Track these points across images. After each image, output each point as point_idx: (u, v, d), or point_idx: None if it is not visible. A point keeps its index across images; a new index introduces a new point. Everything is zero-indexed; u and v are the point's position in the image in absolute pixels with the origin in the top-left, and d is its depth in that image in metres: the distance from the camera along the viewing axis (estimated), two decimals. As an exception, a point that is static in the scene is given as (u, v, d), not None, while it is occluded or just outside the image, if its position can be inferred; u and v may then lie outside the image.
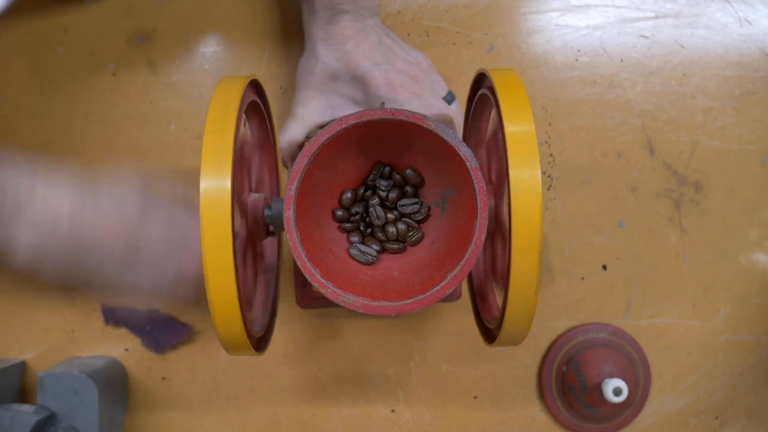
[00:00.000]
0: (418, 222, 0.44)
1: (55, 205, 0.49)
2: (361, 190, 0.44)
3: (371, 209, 0.43)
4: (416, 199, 0.44)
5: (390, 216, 0.44)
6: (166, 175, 0.54)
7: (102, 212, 0.50)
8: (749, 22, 0.66)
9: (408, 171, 0.43)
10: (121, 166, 0.56)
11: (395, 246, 0.43)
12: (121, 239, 0.50)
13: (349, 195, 0.44)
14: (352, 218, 0.44)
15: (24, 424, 0.55)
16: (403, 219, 0.44)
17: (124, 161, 0.64)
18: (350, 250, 0.43)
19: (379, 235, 0.44)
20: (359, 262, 0.43)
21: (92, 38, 0.64)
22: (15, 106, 0.64)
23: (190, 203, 0.48)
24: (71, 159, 0.64)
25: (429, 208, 0.44)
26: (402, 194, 0.44)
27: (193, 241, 0.51)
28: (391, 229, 0.43)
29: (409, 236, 0.43)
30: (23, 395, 0.64)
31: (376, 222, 0.43)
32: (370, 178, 0.44)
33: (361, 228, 0.44)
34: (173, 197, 0.54)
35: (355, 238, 0.44)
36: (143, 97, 0.64)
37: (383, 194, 0.44)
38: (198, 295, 0.40)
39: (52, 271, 0.51)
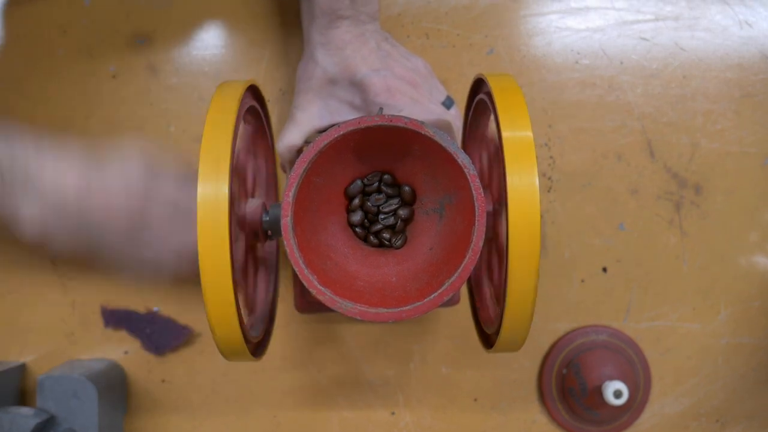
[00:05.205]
0: (395, 228, 0.44)
1: (61, 178, 0.50)
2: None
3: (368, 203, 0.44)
4: (393, 211, 0.43)
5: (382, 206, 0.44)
6: (171, 149, 0.54)
7: (107, 186, 0.51)
8: (749, 25, 0.66)
9: (406, 187, 0.43)
10: (127, 141, 0.56)
11: (386, 235, 0.43)
12: (125, 214, 0.51)
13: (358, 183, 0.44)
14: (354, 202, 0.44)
15: (23, 426, 0.55)
16: (382, 222, 0.44)
17: (129, 136, 0.64)
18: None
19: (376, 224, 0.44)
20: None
21: (92, 40, 0.64)
22: (14, 109, 0.64)
23: (195, 177, 0.49)
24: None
25: (411, 213, 0.44)
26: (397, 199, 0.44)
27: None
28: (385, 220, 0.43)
29: (393, 241, 0.43)
30: (23, 398, 0.64)
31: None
32: (366, 179, 0.44)
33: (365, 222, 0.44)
34: (178, 172, 0.55)
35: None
36: (143, 99, 0.64)
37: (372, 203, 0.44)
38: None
39: (58, 244, 0.52)
